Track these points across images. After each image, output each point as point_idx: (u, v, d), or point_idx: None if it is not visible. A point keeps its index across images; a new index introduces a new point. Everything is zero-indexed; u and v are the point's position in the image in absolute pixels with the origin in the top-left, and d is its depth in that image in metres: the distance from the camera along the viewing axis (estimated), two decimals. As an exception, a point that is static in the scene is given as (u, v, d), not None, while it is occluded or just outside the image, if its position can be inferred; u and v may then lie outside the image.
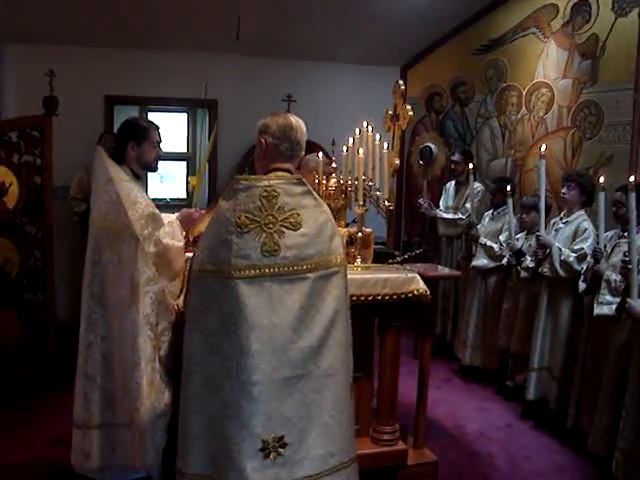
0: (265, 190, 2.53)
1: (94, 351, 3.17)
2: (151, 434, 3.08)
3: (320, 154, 4.14)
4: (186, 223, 3.39)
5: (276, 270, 2.49)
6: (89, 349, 3.18)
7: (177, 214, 3.43)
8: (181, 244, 3.23)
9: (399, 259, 3.92)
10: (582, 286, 4.20)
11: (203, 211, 3.55)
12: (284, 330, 2.48)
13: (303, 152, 2.79)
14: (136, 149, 3.32)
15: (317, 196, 2.66)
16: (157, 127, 3.48)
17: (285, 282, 2.50)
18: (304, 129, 2.76)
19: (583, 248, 4.40)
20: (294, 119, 2.74)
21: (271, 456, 2.45)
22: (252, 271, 2.47)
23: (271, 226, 2.50)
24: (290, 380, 2.49)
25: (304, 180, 2.63)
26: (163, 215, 3.44)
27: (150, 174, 9.42)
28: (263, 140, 2.70)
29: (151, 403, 3.05)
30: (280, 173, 2.64)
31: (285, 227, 2.52)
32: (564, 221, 4.68)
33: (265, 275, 2.48)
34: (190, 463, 2.54)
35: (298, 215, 2.54)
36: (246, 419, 2.44)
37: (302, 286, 2.52)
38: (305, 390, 2.52)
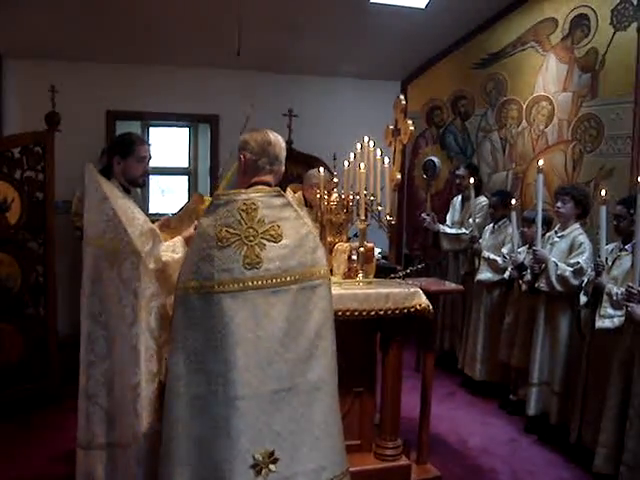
0: (244, 203, 2.57)
1: (95, 371, 3.13)
2: (151, 454, 2.97)
3: (322, 169, 4.16)
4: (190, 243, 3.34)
5: (259, 283, 2.51)
6: (90, 369, 3.14)
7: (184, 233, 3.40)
8: (180, 256, 3.15)
9: (401, 274, 3.92)
10: (583, 299, 4.19)
11: None
12: (270, 343, 2.49)
13: (283, 167, 2.83)
14: (122, 163, 3.31)
15: (297, 208, 2.69)
16: (145, 142, 3.46)
17: (269, 294, 2.51)
18: (283, 144, 2.82)
19: (579, 262, 4.39)
20: (272, 135, 2.79)
21: (262, 472, 2.43)
22: (235, 285, 2.49)
23: (252, 239, 2.53)
24: (278, 393, 2.49)
25: (283, 193, 2.66)
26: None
27: (153, 189, 9.45)
28: (242, 156, 2.75)
29: (153, 420, 2.98)
30: (260, 187, 2.68)
31: (266, 239, 2.54)
32: (559, 235, 4.68)
33: (248, 288, 2.49)
34: None
35: (278, 227, 2.57)
36: (235, 436, 2.42)
37: (286, 298, 2.54)
38: (294, 403, 2.51)
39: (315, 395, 2.56)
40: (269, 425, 2.46)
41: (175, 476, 2.48)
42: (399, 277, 3.91)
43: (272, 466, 2.44)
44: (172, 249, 3.17)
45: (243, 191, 2.64)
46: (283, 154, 2.81)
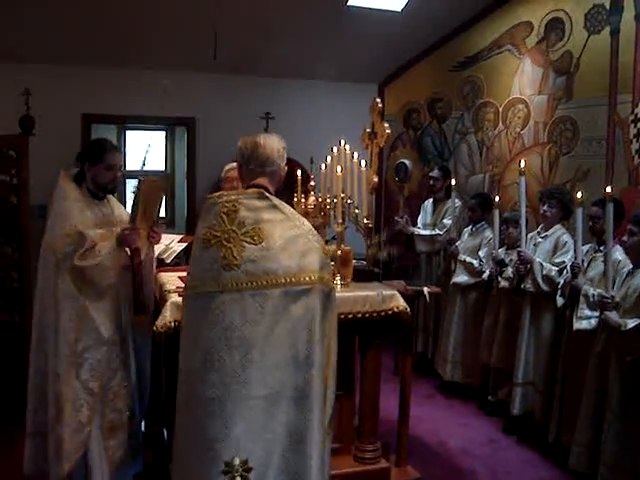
0: (225, 206, 2.55)
1: (34, 365, 3.30)
2: (68, 447, 3.11)
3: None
4: (122, 242, 3.25)
5: (236, 285, 2.46)
6: (35, 365, 3.31)
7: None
8: (100, 261, 3.12)
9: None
10: (560, 301, 4.22)
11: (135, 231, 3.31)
12: (247, 347, 2.42)
13: (280, 169, 2.76)
14: (91, 170, 3.33)
15: (288, 211, 2.61)
16: (116, 149, 3.48)
17: (248, 297, 2.45)
18: (274, 145, 2.73)
19: (564, 262, 4.42)
20: (261, 137, 2.74)
21: None
22: (215, 285, 2.47)
23: (232, 240, 2.50)
24: (254, 400, 2.41)
25: (268, 195, 2.59)
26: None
27: (130, 192, 9.37)
28: (237, 162, 2.77)
29: (69, 418, 3.10)
30: (250, 190, 2.64)
31: (245, 241, 2.49)
32: (542, 235, 4.71)
33: (227, 289, 2.46)
34: None
35: (260, 229, 2.51)
36: (209, 438, 2.39)
37: (266, 302, 2.45)
38: (272, 411, 2.43)
39: (294, 406, 2.46)
40: (244, 432, 2.39)
41: (174, 469, 2.59)
42: (377, 280, 3.90)
43: (245, 474, 2.38)
44: (94, 254, 3.14)
45: (225, 193, 2.63)
46: (276, 154, 2.72)
